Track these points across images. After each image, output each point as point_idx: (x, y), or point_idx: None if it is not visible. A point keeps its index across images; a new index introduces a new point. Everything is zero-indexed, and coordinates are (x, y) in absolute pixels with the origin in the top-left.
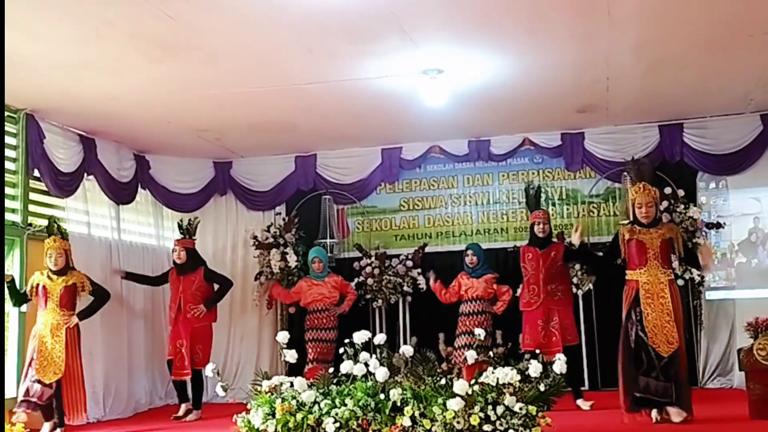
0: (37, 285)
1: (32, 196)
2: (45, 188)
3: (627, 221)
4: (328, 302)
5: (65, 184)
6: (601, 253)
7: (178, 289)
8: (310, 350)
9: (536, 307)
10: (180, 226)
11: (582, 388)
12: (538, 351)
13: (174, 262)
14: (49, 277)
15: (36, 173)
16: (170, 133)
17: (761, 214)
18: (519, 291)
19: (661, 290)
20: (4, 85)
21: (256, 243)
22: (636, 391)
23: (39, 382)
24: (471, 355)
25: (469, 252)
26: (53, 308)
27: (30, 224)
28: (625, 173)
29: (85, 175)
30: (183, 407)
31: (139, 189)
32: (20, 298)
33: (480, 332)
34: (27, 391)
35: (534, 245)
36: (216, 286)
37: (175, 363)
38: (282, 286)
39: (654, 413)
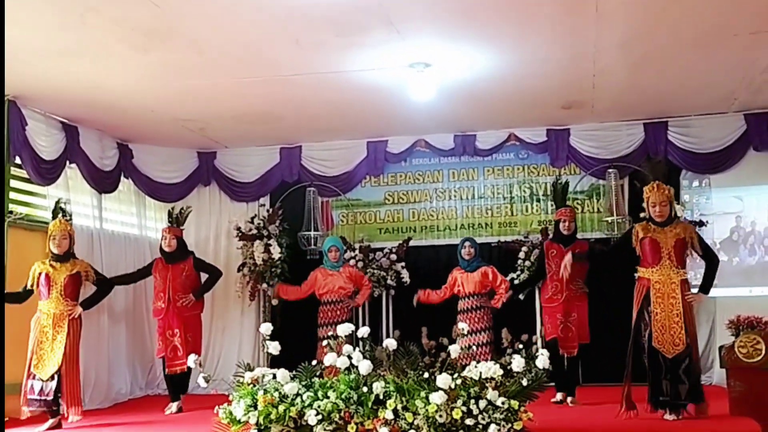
0: (39, 274)
1: (13, 183)
2: (26, 176)
3: (610, 218)
4: (342, 294)
5: (47, 172)
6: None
7: (166, 279)
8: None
9: (558, 303)
10: (170, 214)
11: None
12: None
13: (162, 251)
14: (51, 265)
15: (17, 160)
16: (154, 122)
17: (743, 213)
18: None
19: (672, 290)
20: (3, 81)
21: (240, 234)
22: (659, 395)
23: (40, 379)
24: (454, 349)
25: (467, 244)
26: (57, 297)
27: (11, 212)
28: (610, 170)
29: (68, 163)
30: (174, 405)
31: (122, 178)
32: (22, 296)
33: (463, 326)
34: (32, 389)
35: (558, 242)
36: (204, 276)
37: (167, 356)
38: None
39: (667, 415)
